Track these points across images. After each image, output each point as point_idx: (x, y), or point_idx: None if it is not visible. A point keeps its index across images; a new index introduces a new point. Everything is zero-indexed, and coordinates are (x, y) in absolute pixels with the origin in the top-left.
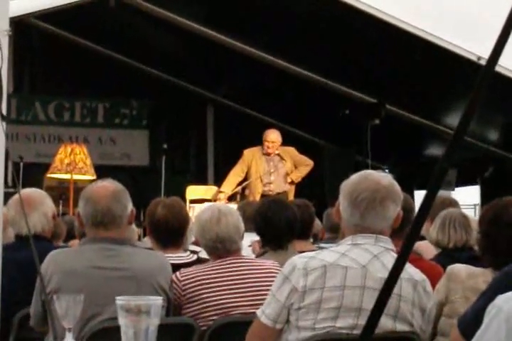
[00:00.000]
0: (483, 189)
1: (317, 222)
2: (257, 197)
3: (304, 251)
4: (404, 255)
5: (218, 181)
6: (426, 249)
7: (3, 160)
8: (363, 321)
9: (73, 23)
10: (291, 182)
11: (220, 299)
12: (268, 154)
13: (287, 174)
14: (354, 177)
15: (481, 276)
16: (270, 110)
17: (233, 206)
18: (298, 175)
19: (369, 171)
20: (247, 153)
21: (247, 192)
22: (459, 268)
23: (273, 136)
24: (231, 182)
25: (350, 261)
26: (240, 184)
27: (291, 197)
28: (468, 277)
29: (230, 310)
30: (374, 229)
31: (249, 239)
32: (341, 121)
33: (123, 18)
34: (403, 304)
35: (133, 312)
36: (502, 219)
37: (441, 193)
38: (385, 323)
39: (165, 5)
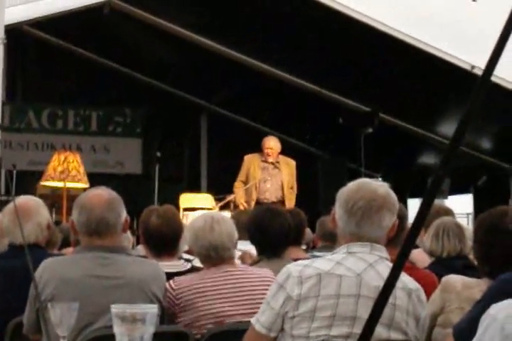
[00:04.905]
0: (476, 198)
1: (308, 230)
2: (252, 205)
3: (298, 259)
4: (400, 264)
5: (212, 189)
6: (420, 257)
7: None
8: (357, 330)
9: (67, 31)
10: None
11: (214, 307)
12: (267, 161)
13: (282, 183)
14: (350, 185)
15: (477, 287)
16: (264, 118)
17: (226, 214)
18: (292, 202)
19: (366, 180)
20: (247, 158)
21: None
22: (454, 279)
23: (272, 142)
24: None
25: (345, 270)
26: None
27: (291, 205)
28: (464, 288)
29: (224, 318)
30: (369, 237)
31: (240, 248)
32: (335, 130)
33: (117, 26)
34: (398, 313)
35: (128, 321)
36: (498, 228)
37: (435, 202)
38: (380, 332)
39: (159, 13)
